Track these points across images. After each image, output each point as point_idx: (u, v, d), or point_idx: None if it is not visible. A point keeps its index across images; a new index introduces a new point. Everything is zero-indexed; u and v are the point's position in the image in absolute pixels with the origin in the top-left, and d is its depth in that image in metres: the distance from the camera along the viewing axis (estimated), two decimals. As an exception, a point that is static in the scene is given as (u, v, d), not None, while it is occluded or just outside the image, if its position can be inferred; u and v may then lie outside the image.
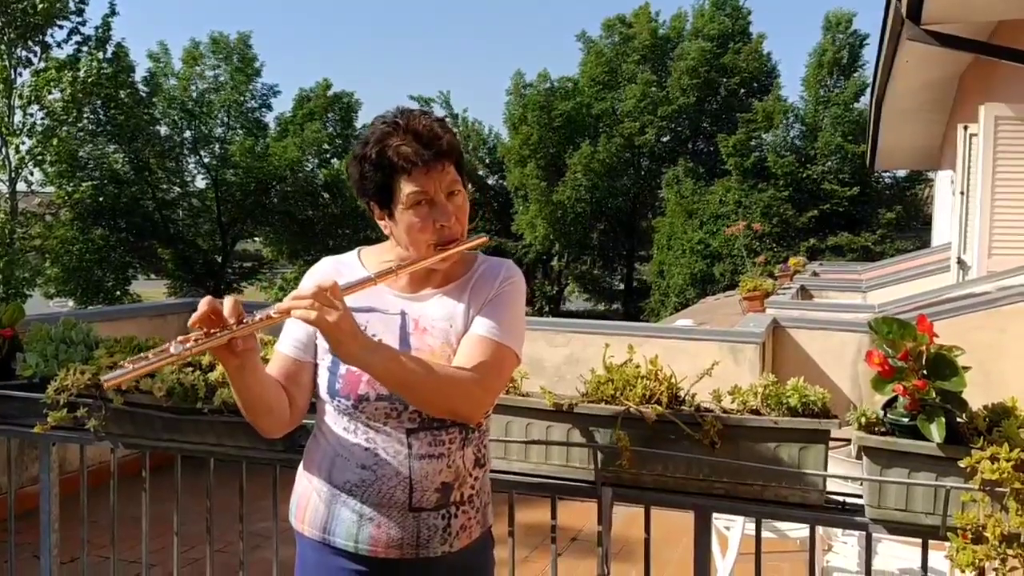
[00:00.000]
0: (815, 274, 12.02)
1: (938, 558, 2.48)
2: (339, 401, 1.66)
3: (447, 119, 1.75)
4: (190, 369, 2.40)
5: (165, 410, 2.42)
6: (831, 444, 2.02)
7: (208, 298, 1.47)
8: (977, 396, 1.91)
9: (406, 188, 1.62)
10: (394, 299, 1.71)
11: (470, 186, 1.76)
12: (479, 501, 1.76)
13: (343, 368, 1.66)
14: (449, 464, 1.68)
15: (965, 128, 7.81)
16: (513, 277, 1.75)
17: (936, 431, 1.81)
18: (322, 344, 1.70)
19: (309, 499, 1.74)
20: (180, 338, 1.44)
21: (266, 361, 1.75)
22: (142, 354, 1.42)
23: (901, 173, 26.19)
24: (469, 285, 1.73)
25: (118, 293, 23.29)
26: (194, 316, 1.45)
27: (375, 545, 1.66)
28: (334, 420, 1.70)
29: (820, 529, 2.40)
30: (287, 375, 1.70)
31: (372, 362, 1.49)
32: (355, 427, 1.67)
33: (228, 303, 1.48)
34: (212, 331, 1.46)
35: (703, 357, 4.86)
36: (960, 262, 7.99)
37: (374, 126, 1.67)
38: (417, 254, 1.66)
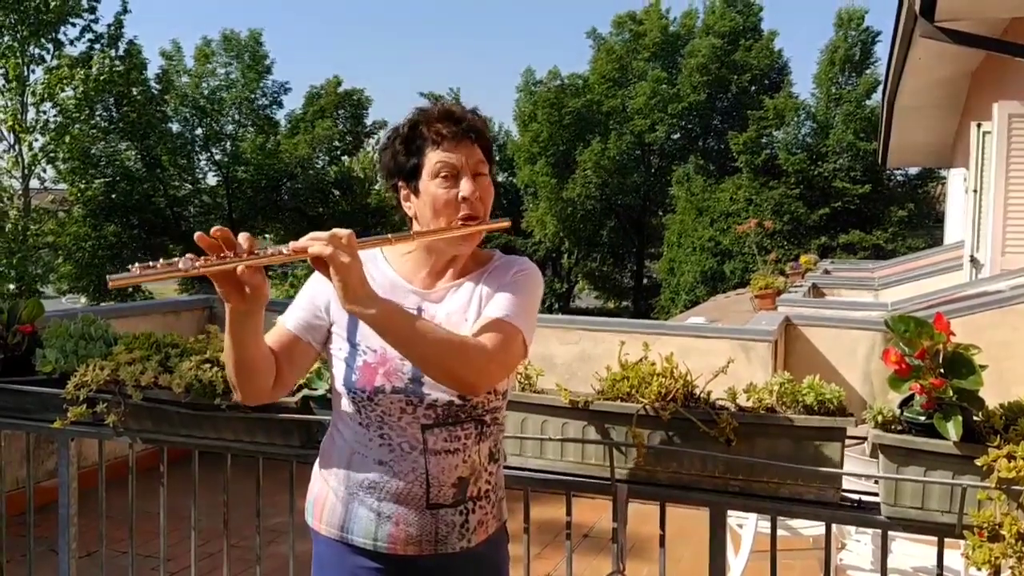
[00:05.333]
0: (826, 272, 11.98)
1: (953, 557, 2.48)
2: (355, 394, 1.67)
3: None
4: (208, 365, 2.42)
5: (183, 406, 2.44)
6: (846, 442, 2.03)
7: (223, 227, 1.46)
8: (990, 395, 1.92)
9: (433, 158, 1.66)
10: (412, 296, 1.72)
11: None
12: (495, 496, 1.76)
13: (359, 360, 1.67)
14: (465, 459, 1.68)
15: (978, 126, 7.78)
16: (528, 269, 1.76)
17: (953, 429, 1.82)
18: (338, 334, 1.71)
19: (326, 498, 1.75)
20: (190, 256, 1.42)
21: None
22: (151, 262, 1.39)
23: (913, 171, 26.06)
24: (483, 277, 1.74)
25: (130, 289, 23.39)
26: (201, 234, 1.42)
27: (393, 543, 1.67)
28: (351, 415, 1.71)
29: (833, 527, 2.40)
30: (282, 347, 1.69)
31: (374, 311, 1.48)
32: (370, 422, 1.68)
33: (243, 236, 1.47)
34: (224, 255, 1.44)
35: (715, 355, 4.90)
36: (973, 260, 7.96)
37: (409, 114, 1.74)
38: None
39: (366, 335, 1.64)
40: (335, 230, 1.48)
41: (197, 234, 1.42)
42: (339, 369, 1.71)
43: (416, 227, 1.72)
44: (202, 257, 1.43)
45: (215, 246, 1.43)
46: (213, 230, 1.43)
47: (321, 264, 1.47)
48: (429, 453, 1.66)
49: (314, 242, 1.46)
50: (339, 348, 1.71)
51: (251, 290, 1.48)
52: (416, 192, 1.69)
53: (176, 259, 1.41)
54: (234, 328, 1.54)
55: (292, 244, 1.49)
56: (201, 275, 1.43)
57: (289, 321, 1.73)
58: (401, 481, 1.66)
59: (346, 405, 1.71)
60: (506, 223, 1.74)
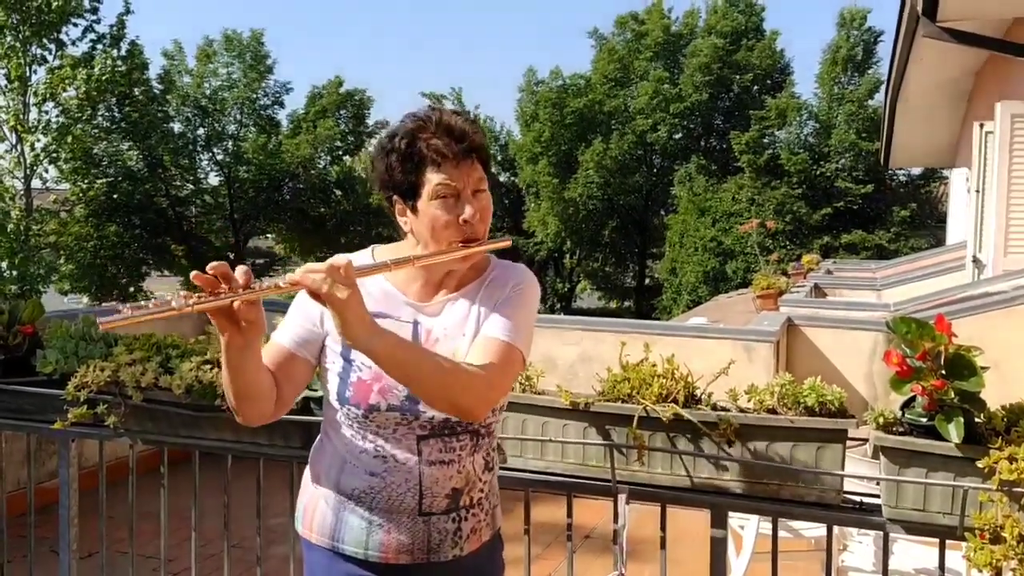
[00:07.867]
0: (829, 272, 11.96)
1: (955, 558, 2.48)
2: (349, 409, 1.64)
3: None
4: (208, 367, 2.42)
5: (183, 407, 2.44)
6: (847, 443, 2.02)
7: (220, 262, 1.42)
8: (993, 396, 1.91)
9: (434, 179, 1.60)
10: (408, 308, 1.68)
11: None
12: (488, 504, 1.74)
13: (354, 376, 1.64)
14: (460, 470, 1.66)
15: (981, 126, 7.77)
16: (525, 283, 1.72)
17: (954, 431, 1.81)
18: (332, 347, 1.68)
19: (316, 506, 1.73)
20: (184, 293, 1.39)
21: None
22: (142, 303, 1.36)
23: (916, 171, 26.02)
24: (481, 289, 1.70)
25: (132, 290, 23.44)
26: (197, 273, 1.40)
27: (385, 551, 1.65)
28: (343, 427, 1.68)
29: (835, 529, 2.40)
30: (278, 365, 1.65)
31: (376, 346, 1.45)
32: (364, 434, 1.65)
33: (239, 269, 1.44)
34: (218, 291, 1.40)
35: (717, 356, 4.89)
36: (975, 260, 7.95)
37: (403, 121, 1.66)
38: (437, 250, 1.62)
39: None
40: (332, 260, 1.44)
41: (193, 273, 1.40)
42: (332, 383, 1.68)
43: (411, 240, 1.68)
44: (196, 294, 1.40)
45: (210, 282, 1.40)
46: (210, 267, 1.40)
47: (319, 297, 1.43)
48: (424, 464, 1.63)
49: (310, 275, 1.42)
50: (332, 361, 1.68)
51: (247, 324, 1.46)
52: (414, 211, 1.64)
53: (169, 298, 1.38)
54: (232, 361, 1.51)
55: (288, 277, 1.44)
56: (196, 312, 1.39)
57: (284, 338, 1.69)
58: (394, 492, 1.63)
59: (339, 417, 1.68)
60: (507, 242, 1.72)
